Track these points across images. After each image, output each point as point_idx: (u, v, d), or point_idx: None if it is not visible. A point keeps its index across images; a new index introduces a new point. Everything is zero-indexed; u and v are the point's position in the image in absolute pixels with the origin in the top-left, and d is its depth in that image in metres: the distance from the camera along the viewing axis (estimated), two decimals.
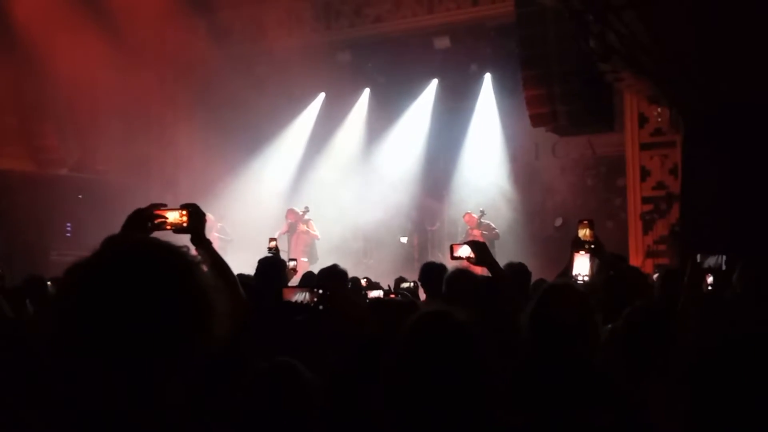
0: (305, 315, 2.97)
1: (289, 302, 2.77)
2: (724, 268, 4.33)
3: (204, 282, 1.37)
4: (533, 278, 5.32)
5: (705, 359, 1.59)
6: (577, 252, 5.27)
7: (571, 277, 4.97)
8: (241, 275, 5.11)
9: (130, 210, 3.03)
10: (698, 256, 4.20)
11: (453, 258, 4.19)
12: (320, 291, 2.70)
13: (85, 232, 12.52)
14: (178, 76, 14.46)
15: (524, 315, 2.83)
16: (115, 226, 2.96)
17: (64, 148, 14.13)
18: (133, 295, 1.30)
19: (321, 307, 2.67)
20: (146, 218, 2.92)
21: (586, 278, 4.98)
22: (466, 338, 1.79)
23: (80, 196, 13.97)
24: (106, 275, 1.33)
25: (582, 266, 5.09)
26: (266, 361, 2.23)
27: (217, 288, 1.39)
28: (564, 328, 2.68)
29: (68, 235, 13.60)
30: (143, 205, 3.00)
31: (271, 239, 8.98)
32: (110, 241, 1.43)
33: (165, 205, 3.03)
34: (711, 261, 4.29)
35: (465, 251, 4.04)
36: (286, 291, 2.88)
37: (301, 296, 2.76)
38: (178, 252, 1.40)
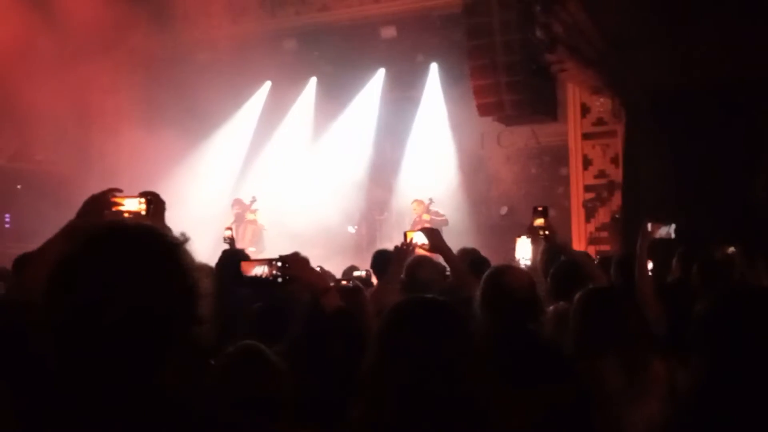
0: (265, 288, 2.97)
1: (249, 277, 2.78)
2: (673, 237, 4.48)
3: (189, 263, 1.37)
4: None
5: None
6: (518, 237, 5.40)
7: (514, 260, 5.10)
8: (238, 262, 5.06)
9: (70, 200, 2.97)
10: (648, 225, 4.34)
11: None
12: (279, 263, 2.70)
13: (25, 223, 12.19)
14: (120, 64, 14.13)
15: (477, 295, 2.90)
16: (56, 216, 2.90)
17: (0, 137, 13.71)
18: (121, 278, 1.29)
19: (280, 279, 2.67)
20: (102, 205, 2.87)
21: (528, 262, 5.10)
22: (453, 317, 1.78)
23: (19, 187, 13.59)
24: (90, 260, 1.31)
25: (524, 250, 5.22)
26: (232, 345, 2.24)
27: (199, 269, 1.39)
28: (516, 305, 2.77)
29: (7, 226, 13.22)
30: (84, 195, 2.93)
31: (227, 228, 8.89)
32: (82, 226, 1.42)
33: (121, 191, 2.98)
34: (662, 231, 4.43)
35: (419, 238, 4.09)
36: (244, 265, 2.88)
37: (260, 270, 2.76)
38: (157, 233, 1.40)
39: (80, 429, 1.24)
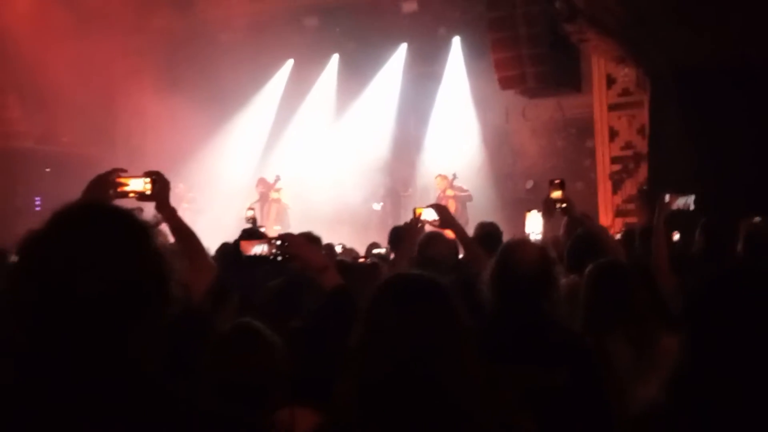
0: (265, 267, 2.97)
1: (249, 256, 2.78)
2: (692, 208, 4.40)
3: (157, 244, 1.36)
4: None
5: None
6: (528, 211, 5.34)
7: (524, 234, 5.05)
8: (227, 244, 5.10)
9: None
10: (667, 197, 4.26)
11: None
12: (278, 242, 2.70)
13: (55, 205, 12.35)
14: (143, 46, 14.22)
15: (485, 271, 2.86)
16: None
17: (28, 120, 13.90)
18: (87, 258, 1.29)
19: (279, 257, 2.67)
20: (108, 185, 2.89)
21: (539, 236, 5.04)
22: (439, 293, 1.76)
23: (48, 169, 13.78)
24: (56, 241, 1.32)
25: (534, 224, 5.16)
26: (229, 323, 2.24)
27: (171, 250, 1.38)
28: (524, 281, 2.72)
29: (38, 209, 13.43)
30: None
31: (249, 208, 8.93)
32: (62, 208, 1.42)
33: (126, 172, 3.00)
34: (680, 202, 4.35)
35: (430, 214, 4.05)
36: (244, 244, 2.88)
37: (259, 248, 2.76)
38: (128, 214, 1.40)
39: (50, 408, 1.25)
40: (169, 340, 1.52)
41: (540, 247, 3.01)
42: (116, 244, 1.32)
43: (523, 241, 3.01)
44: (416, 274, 1.82)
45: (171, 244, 1.40)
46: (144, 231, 1.37)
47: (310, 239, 4.92)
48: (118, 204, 1.53)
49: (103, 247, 1.31)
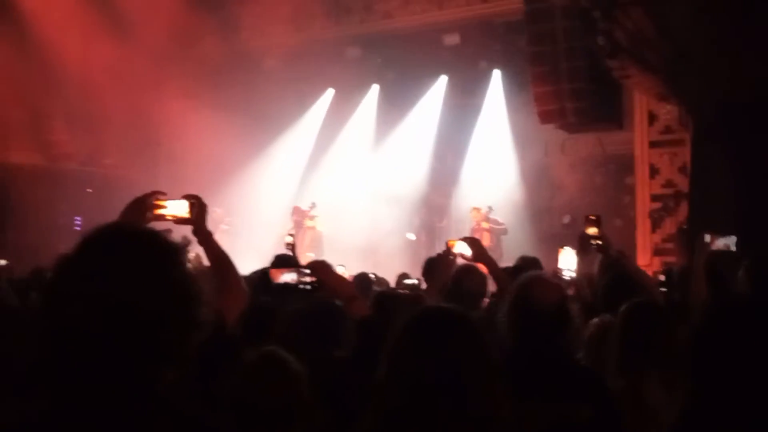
0: (295, 295, 2.97)
1: (279, 284, 2.78)
2: (733, 249, 4.30)
3: (184, 267, 1.36)
4: None
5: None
6: (561, 247, 5.26)
7: (557, 270, 4.97)
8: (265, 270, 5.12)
9: None
10: (707, 236, 4.17)
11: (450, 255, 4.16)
12: (307, 270, 2.69)
13: (93, 224, 12.57)
14: (188, 72, 14.49)
15: (502, 308, 2.82)
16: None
17: (73, 142, 14.22)
18: (111, 280, 1.30)
19: (309, 287, 2.67)
20: (145, 207, 2.91)
21: (572, 273, 4.95)
22: (466, 327, 1.73)
23: (90, 190, 14.06)
24: (83, 263, 1.33)
25: (567, 261, 5.07)
26: (255, 350, 2.24)
27: (201, 273, 1.38)
28: (538, 317, 2.68)
29: (77, 228, 13.68)
30: None
31: (289, 234, 8.99)
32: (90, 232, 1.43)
33: (165, 195, 3.01)
34: (720, 243, 4.25)
35: (463, 248, 4.02)
36: (273, 272, 2.87)
37: (288, 277, 2.76)
38: (155, 237, 1.40)
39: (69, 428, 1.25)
40: (198, 364, 1.51)
41: (555, 283, 2.97)
42: (141, 268, 1.32)
43: (538, 277, 2.96)
44: (444, 308, 1.80)
45: (203, 268, 1.41)
46: (171, 254, 1.36)
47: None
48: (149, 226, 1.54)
49: (127, 272, 1.31)
